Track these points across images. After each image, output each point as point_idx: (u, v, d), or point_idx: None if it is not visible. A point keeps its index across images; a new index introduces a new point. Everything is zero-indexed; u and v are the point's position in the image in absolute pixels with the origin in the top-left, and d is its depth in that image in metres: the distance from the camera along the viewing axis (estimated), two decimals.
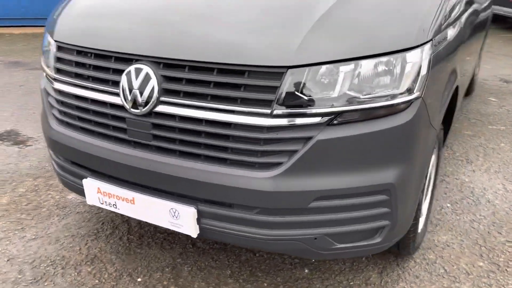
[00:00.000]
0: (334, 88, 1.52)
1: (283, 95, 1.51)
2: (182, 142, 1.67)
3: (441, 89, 1.84)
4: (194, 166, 1.65)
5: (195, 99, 1.61)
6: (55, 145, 2.00)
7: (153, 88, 1.64)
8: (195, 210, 1.68)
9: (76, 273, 2.13)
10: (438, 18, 1.75)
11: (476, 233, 2.44)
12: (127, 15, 1.82)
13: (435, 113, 1.79)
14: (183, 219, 1.70)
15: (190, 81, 1.62)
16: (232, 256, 2.25)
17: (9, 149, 3.47)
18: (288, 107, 1.52)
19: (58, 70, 1.95)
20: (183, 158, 1.67)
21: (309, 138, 1.53)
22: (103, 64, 1.77)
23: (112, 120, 1.78)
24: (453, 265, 2.19)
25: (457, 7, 2.14)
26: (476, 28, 3.19)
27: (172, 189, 1.71)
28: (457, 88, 2.24)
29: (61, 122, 1.99)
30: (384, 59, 1.54)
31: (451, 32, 1.95)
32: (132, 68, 1.68)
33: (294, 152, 1.55)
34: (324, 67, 1.51)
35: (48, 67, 2.02)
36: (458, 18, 2.17)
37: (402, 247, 2.06)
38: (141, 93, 1.65)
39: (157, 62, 1.66)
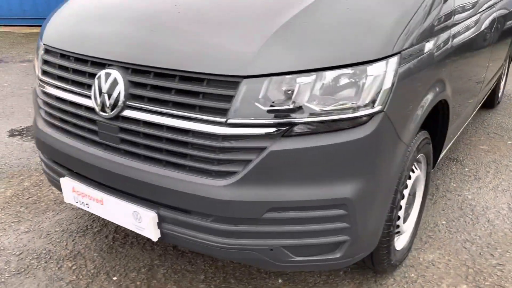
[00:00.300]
0: (290, 99, 1.50)
1: (238, 104, 1.51)
2: (146, 147, 1.70)
3: (414, 102, 1.77)
4: (156, 171, 1.68)
5: (158, 105, 1.64)
6: (41, 144, 2.09)
7: (119, 93, 1.68)
8: (156, 215, 1.71)
9: (57, 268, 2.21)
10: (412, 30, 1.69)
11: (466, 254, 2.34)
12: (106, 22, 1.87)
13: (405, 127, 1.73)
14: (144, 222, 1.73)
15: (154, 87, 1.65)
16: (209, 261, 2.27)
17: (24, 144, 3.64)
18: (242, 116, 1.51)
19: (44, 72, 2.03)
20: (147, 163, 1.71)
21: (263, 149, 1.53)
22: (81, 68, 1.83)
23: (86, 122, 1.84)
24: (434, 286, 2.11)
25: (451, 15, 2.06)
26: (496, 36, 3.06)
27: (136, 193, 1.74)
28: (445, 101, 2.15)
29: (46, 122, 2.07)
30: (343, 71, 1.52)
31: (434, 43, 1.88)
32: (102, 72, 1.73)
33: (248, 161, 1.55)
34: (280, 78, 1.50)
35: (37, 68, 2.11)
36: (452, 26, 2.09)
37: (376, 264, 2.00)
38: (109, 97, 1.69)
39: (126, 68, 1.70)
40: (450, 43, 2.06)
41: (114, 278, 2.14)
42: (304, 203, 1.57)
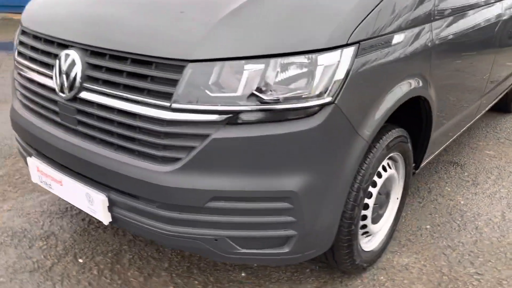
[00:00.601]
0: (235, 86, 1.46)
1: (182, 89, 1.48)
2: (100, 129, 1.70)
3: (377, 96, 1.69)
4: (107, 154, 1.67)
5: (110, 88, 1.63)
6: (15, 125, 2.12)
7: (76, 74, 1.68)
8: (106, 198, 1.71)
9: (28, 247, 2.25)
10: (377, 20, 1.61)
11: (444, 260, 2.22)
12: (71, 4, 1.88)
13: (364, 121, 1.65)
14: (96, 205, 1.73)
15: (109, 70, 1.64)
16: (177, 250, 2.25)
17: None
18: (186, 102, 1.48)
19: (19, 53, 2.06)
20: (100, 146, 1.70)
21: (207, 136, 1.49)
22: (48, 49, 1.85)
23: (49, 103, 1.86)
24: None
25: (433, 8, 1.96)
26: (504, 33, 2.90)
27: (90, 175, 1.75)
28: (424, 99, 2.04)
29: (20, 103, 2.10)
30: (293, 59, 1.46)
31: (407, 35, 1.79)
32: (63, 53, 1.73)
33: (192, 148, 1.52)
34: (226, 64, 1.46)
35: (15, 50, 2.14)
36: (434, 20, 1.98)
37: (339, 263, 1.93)
38: (67, 78, 1.70)
39: (85, 49, 1.70)
40: (431, 37, 1.96)
41: (80, 260, 2.16)
42: (248, 194, 1.53)
